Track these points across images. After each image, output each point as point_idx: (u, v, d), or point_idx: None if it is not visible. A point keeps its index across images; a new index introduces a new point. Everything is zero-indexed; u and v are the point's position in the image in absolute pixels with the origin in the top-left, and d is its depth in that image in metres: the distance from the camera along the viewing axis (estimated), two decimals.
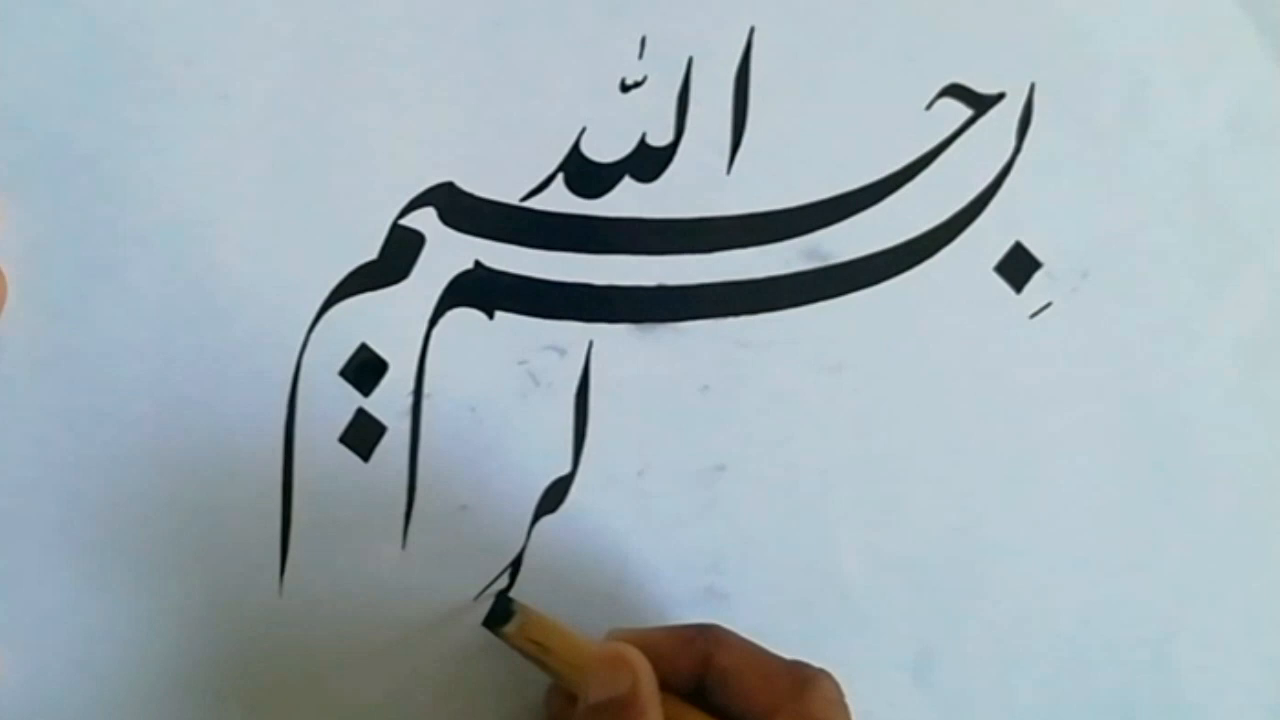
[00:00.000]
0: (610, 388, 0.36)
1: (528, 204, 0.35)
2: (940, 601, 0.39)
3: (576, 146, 0.35)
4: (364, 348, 0.34)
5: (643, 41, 0.36)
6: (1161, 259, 0.40)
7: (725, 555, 0.37)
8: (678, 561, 0.37)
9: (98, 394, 0.33)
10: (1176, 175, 0.40)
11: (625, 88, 0.36)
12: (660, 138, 0.36)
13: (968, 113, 0.38)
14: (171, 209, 0.33)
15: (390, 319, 0.34)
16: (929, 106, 0.38)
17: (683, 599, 0.37)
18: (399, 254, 0.34)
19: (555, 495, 0.36)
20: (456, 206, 0.35)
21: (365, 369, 0.34)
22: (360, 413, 0.34)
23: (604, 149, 0.36)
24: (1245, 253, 0.40)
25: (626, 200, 0.36)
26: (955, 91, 0.38)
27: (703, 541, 0.37)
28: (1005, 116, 0.38)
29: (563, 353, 0.36)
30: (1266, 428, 0.41)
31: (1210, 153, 0.40)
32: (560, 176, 0.35)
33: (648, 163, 0.36)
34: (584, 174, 0.35)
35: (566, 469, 0.36)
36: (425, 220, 0.35)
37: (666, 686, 0.32)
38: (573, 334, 0.36)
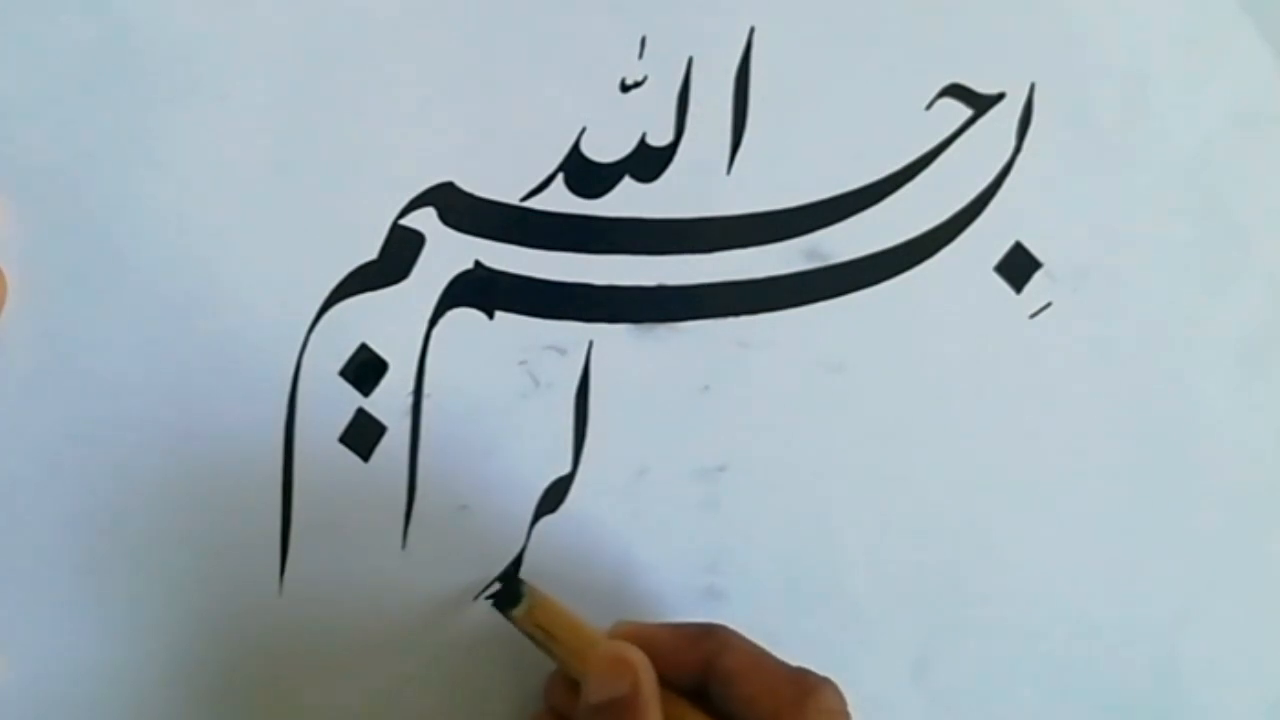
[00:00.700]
0: (610, 388, 0.36)
1: (528, 204, 0.35)
2: (940, 601, 0.39)
3: (576, 146, 0.35)
4: (364, 348, 0.34)
5: (643, 41, 0.36)
6: (1161, 259, 0.40)
7: (725, 555, 0.37)
8: (677, 561, 0.37)
9: (97, 395, 0.33)
10: (1176, 175, 0.40)
11: (625, 88, 0.36)
12: (660, 138, 0.36)
13: (968, 113, 0.38)
14: (171, 209, 0.33)
15: (390, 319, 0.34)
16: (929, 106, 0.38)
17: (682, 599, 0.37)
18: (399, 254, 0.34)
19: (555, 495, 0.36)
20: (456, 206, 0.35)
21: (365, 369, 0.34)
22: (360, 413, 0.34)
23: (604, 149, 0.36)
24: (1245, 252, 0.40)
25: (626, 200, 0.36)
26: (955, 91, 0.38)
27: (703, 541, 0.37)
28: (1005, 116, 0.38)
29: (563, 353, 0.36)
30: (1267, 427, 0.41)
31: (1210, 152, 0.40)
32: (560, 176, 0.35)
33: (648, 163, 0.36)
34: (584, 174, 0.35)
35: (566, 469, 0.36)
36: (425, 220, 0.35)
37: (669, 684, 0.32)
38: (573, 334, 0.36)
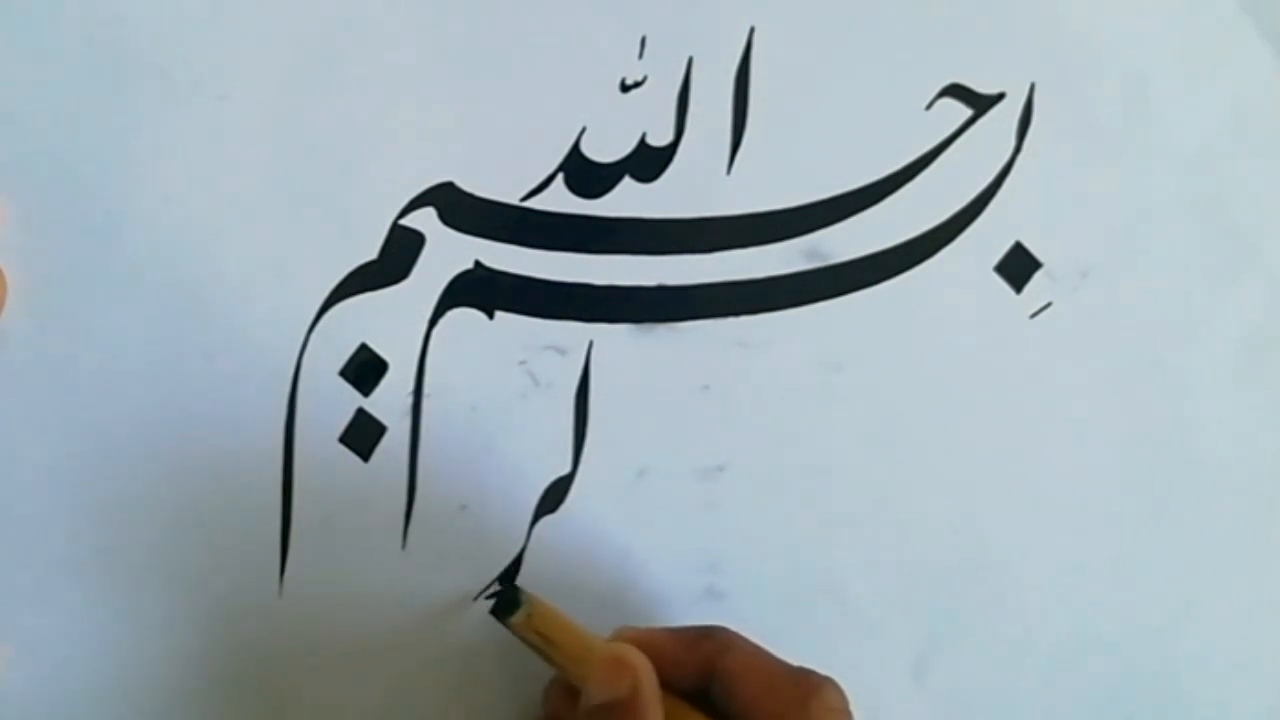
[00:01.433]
0: (610, 388, 0.36)
1: (528, 204, 0.35)
2: (940, 601, 0.39)
3: (576, 146, 0.35)
4: (364, 348, 0.34)
5: (643, 41, 0.36)
6: (1161, 259, 0.40)
7: (725, 555, 0.37)
8: (677, 561, 0.37)
9: (97, 394, 0.33)
10: (1176, 175, 0.40)
11: (625, 88, 0.36)
12: (660, 138, 0.36)
13: (968, 113, 0.38)
14: (171, 210, 0.33)
15: (390, 319, 0.34)
16: (929, 106, 0.38)
17: (682, 599, 0.37)
18: (399, 254, 0.34)
19: (555, 495, 0.36)
20: (457, 206, 0.35)
21: (365, 369, 0.34)
22: (360, 413, 0.34)
23: (604, 149, 0.36)
24: (1245, 252, 0.40)
25: (626, 200, 0.36)
26: (955, 91, 0.38)
27: (702, 541, 0.37)
28: (1005, 116, 0.38)
29: (563, 353, 0.36)
30: (1267, 427, 0.41)
31: (1210, 152, 0.40)
32: (560, 176, 0.35)
33: (648, 163, 0.36)
34: (584, 174, 0.35)
35: (566, 469, 0.36)
36: (425, 220, 0.35)
37: (670, 687, 0.32)
38: (573, 334, 0.36)
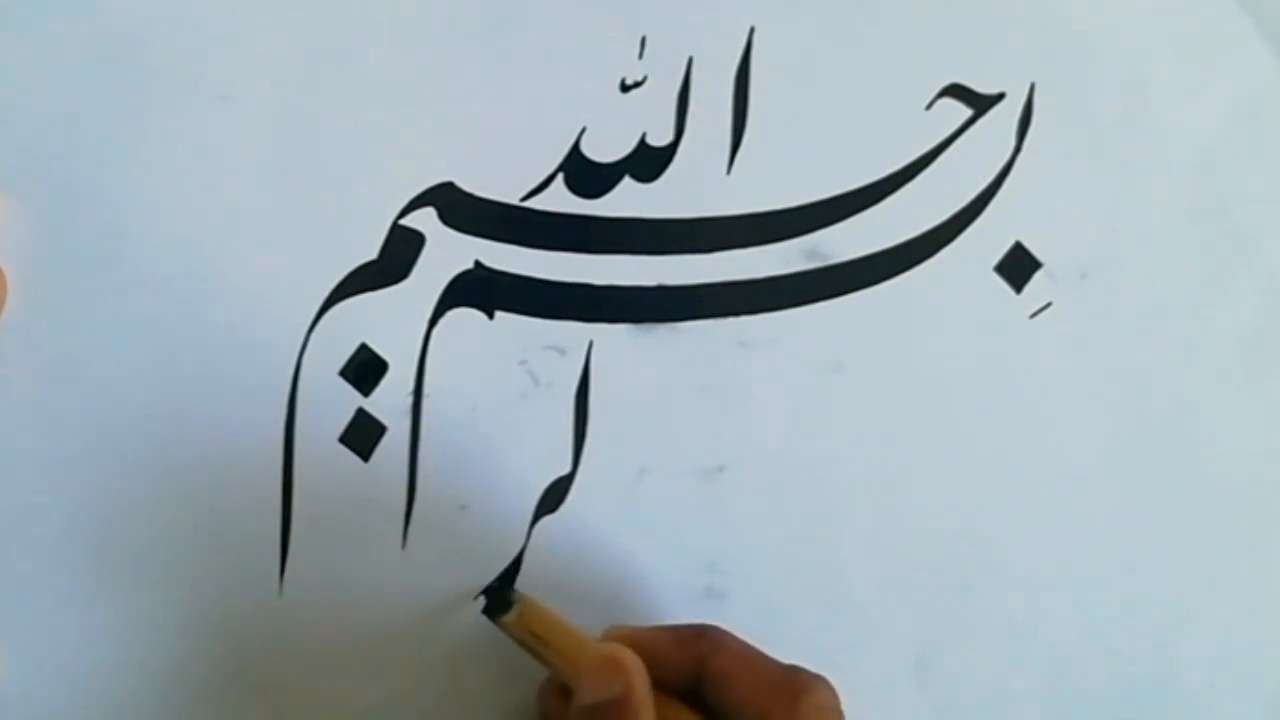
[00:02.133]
0: (610, 388, 0.36)
1: (528, 204, 0.35)
2: (940, 601, 0.39)
3: (576, 146, 0.35)
4: (364, 348, 0.34)
5: (643, 41, 0.36)
6: (1161, 258, 0.40)
7: (724, 555, 0.37)
8: (677, 561, 0.37)
9: (97, 395, 0.33)
10: (1176, 175, 0.40)
11: (625, 88, 0.36)
12: (660, 138, 0.36)
13: (968, 113, 0.38)
14: (171, 210, 0.33)
15: (390, 319, 0.34)
16: (929, 106, 0.38)
17: (682, 598, 0.37)
18: (399, 254, 0.34)
19: (555, 495, 0.36)
20: (456, 206, 0.35)
21: (365, 369, 0.34)
22: (360, 413, 0.34)
23: (604, 149, 0.36)
24: (1245, 252, 0.40)
25: (626, 200, 0.36)
26: (955, 91, 0.38)
27: (702, 541, 0.37)
28: (1005, 116, 0.38)
29: (563, 353, 0.36)
30: (1267, 426, 0.41)
31: (1210, 152, 0.40)
32: (560, 176, 0.35)
33: (648, 163, 0.36)
34: (584, 174, 0.35)
35: (566, 469, 0.36)
36: (425, 220, 0.35)
37: (662, 686, 0.32)
38: (573, 334, 0.36)
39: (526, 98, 0.35)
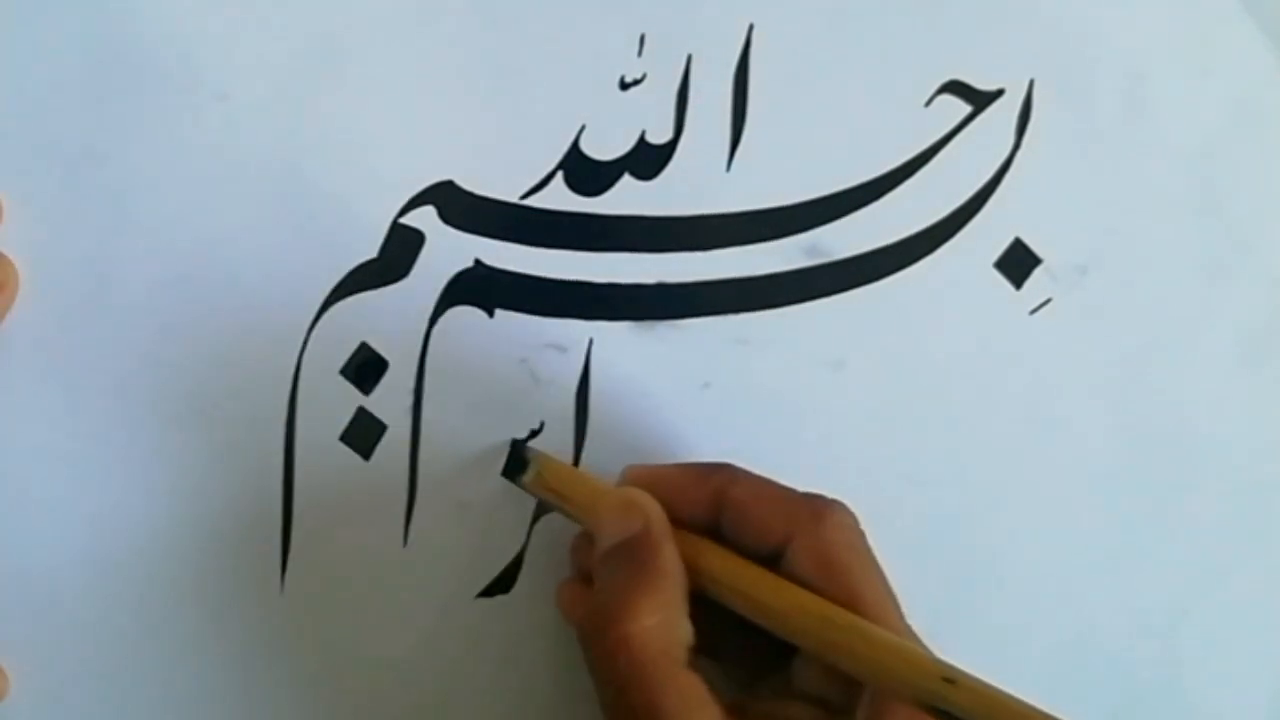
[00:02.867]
0: (611, 385, 0.36)
1: (527, 202, 0.35)
2: (939, 599, 0.39)
3: (576, 144, 0.35)
4: (364, 346, 0.34)
5: (642, 39, 0.36)
6: (1161, 255, 0.40)
7: None
8: None
9: (97, 394, 0.33)
10: (1176, 171, 0.40)
11: (624, 85, 0.36)
12: (660, 135, 0.36)
13: (967, 109, 0.38)
14: (171, 209, 0.33)
15: (390, 317, 0.34)
16: (928, 103, 0.38)
17: None
18: (399, 252, 0.34)
19: None
20: (456, 205, 0.35)
21: (365, 368, 0.34)
22: (361, 411, 0.34)
23: (603, 147, 0.36)
24: (1245, 248, 0.40)
25: (626, 198, 0.36)
26: (954, 88, 0.38)
27: None
28: (1004, 113, 0.38)
29: (563, 351, 0.36)
30: (1267, 424, 0.41)
31: (1210, 148, 0.40)
32: (560, 174, 0.35)
33: (647, 160, 0.36)
34: (583, 172, 0.35)
35: None
36: (425, 219, 0.35)
37: (681, 523, 0.32)
38: (573, 332, 0.36)
39: (526, 96, 0.35)
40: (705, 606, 0.32)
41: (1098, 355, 0.40)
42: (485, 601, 0.35)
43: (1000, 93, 0.38)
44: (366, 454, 0.34)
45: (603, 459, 0.36)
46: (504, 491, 0.35)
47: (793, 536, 0.31)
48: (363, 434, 0.34)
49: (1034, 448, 0.39)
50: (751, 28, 0.36)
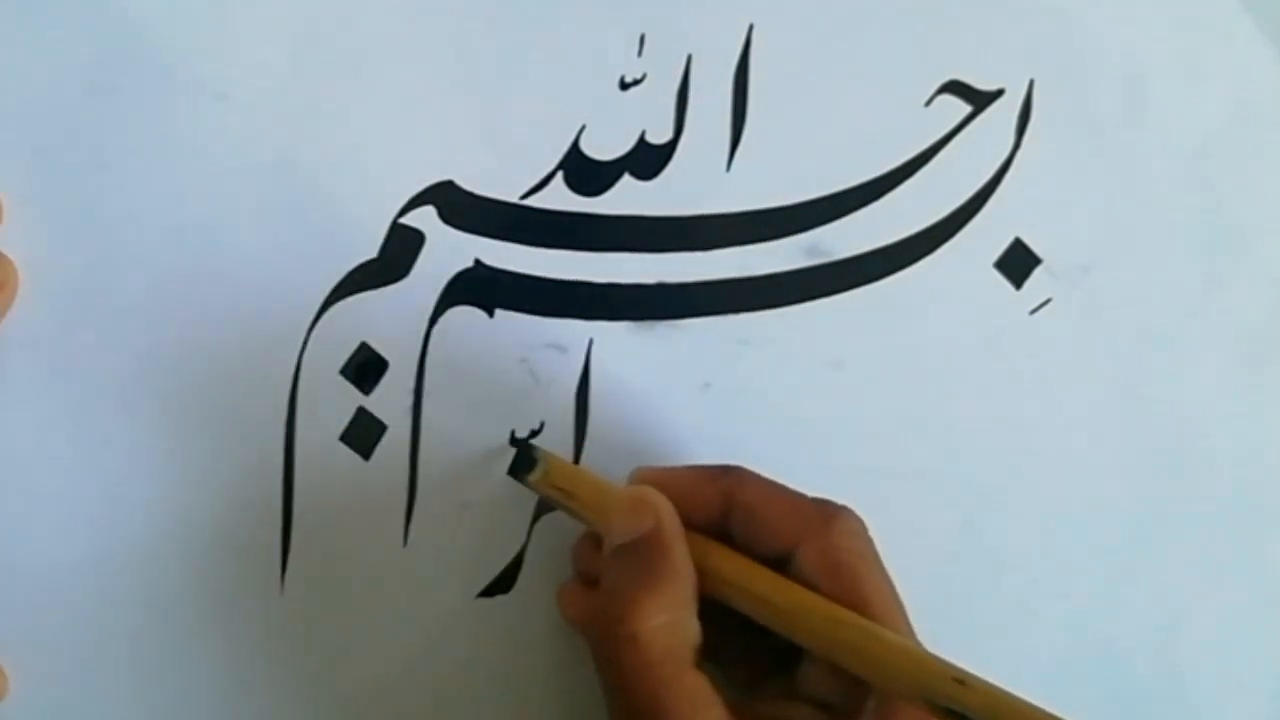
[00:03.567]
0: (611, 385, 0.36)
1: (527, 202, 0.35)
2: (939, 598, 0.39)
3: (576, 144, 0.35)
4: (364, 346, 0.34)
5: (642, 39, 0.36)
6: (1161, 255, 0.40)
7: None
8: None
9: (97, 394, 0.33)
10: (1176, 171, 0.40)
11: (624, 85, 0.36)
12: (659, 135, 0.36)
13: (967, 109, 0.38)
14: (172, 209, 0.33)
15: (390, 317, 0.34)
16: (928, 103, 0.38)
17: None
18: (399, 252, 0.34)
19: None
20: (456, 205, 0.35)
21: (365, 368, 0.34)
22: (361, 411, 0.34)
23: (603, 147, 0.36)
24: (1245, 248, 0.40)
25: (626, 198, 0.36)
26: (954, 88, 0.38)
27: None
28: (1004, 112, 0.38)
29: (563, 350, 0.36)
30: (1267, 424, 0.41)
31: (1210, 147, 0.40)
32: (560, 174, 0.35)
33: (647, 160, 0.36)
34: (583, 172, 0.35)
35: None
36: (425, 219, 0.35)
37: (691, 524, 0.32)
38: (573, 332, 0.36)
39: (526, 96, 0.35)
40: (709, 609, 0.32)
41: (1098, 355, 0.40)
42: (485, 601, 0.35)
43: (1000, 93, 0.38)
44: (366, 454, 0.34)
45: (603, 459, 0.36)
46: (504, 491, 0.35)
47: (801, 540, 0.31)
48: (363, 434, 0.34)
49: (1034, 447, 0.39)
50: (751, 28, 0.36)
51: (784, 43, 0.37)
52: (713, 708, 0.30)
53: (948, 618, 0.39)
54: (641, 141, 0.36)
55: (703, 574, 0.32)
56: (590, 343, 0.36)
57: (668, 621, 0.30)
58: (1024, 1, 0.38)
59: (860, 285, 0.38)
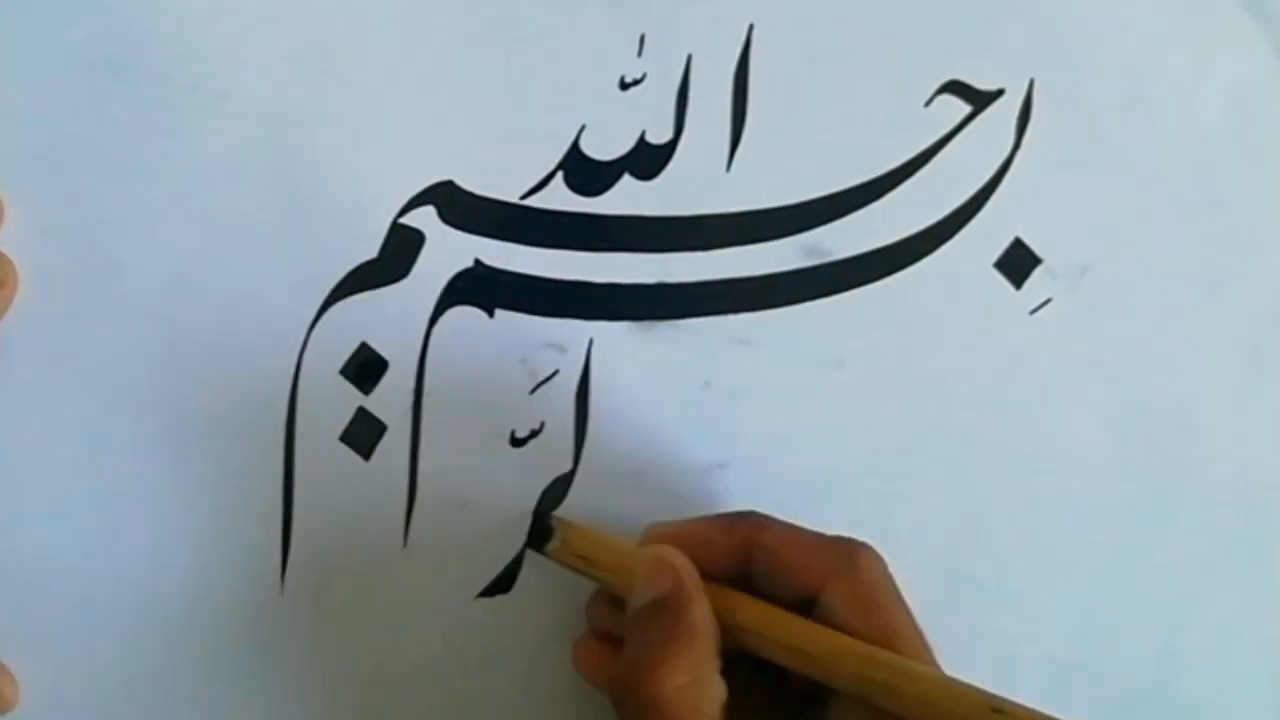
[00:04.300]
0: (611, 385, 0.36)
1: (527, 202, 0.35)
2: (940, 598, 0.39)
3: (576, 144, 0.35)
4: (364, 346, 0.34)
5: (642, 39, 0.36)
6: (1162, 254, 0.40)
7: None
8: None
9: (97, 395, 0.33)
10: (1176, 170, 0.40)
11: (624, 85, 0.36)
12: (659, 135, 0.36)
13: (967, 109, 0.38)
14: (171, 209, 0.33)
15: (390, 318, 0.34)
16: (928, 103, 0.38)
17: None
18: (399, 252, 0.34)
19: (556, 493, 0.36)
20: (456, 205, 0.35)
21: (365, 368, 0.34)
22: (361, 411, 0.34)
23: (603, 147, 0.36)
24: (1246, 247, 0.40)
25: (626, 198, 0.36)
26: (954, 88, 0.38)
27: None
28: (1004, 112, 0.38)
29: (563, 350, 0.36)
30: (1268, 423, 0.41)
31: (1210, 147, 0.40)
32: (560, 174, 0.35)
33: (647, 160, 0.36)
34: (583, 172, 0.35)
35: (567, 467, 0.36)
36: (425, 219, 0.35)
37: (711, 575, 0.32)
38: (573, 332, 0.36)
39: (526, 96, 0.35)
40: (731, 661, 0.32)
41: (1098, 355, 0.40)
42: (485, 601, 0.35)
43: (1000, 93, 0.38)
44: (367, 454, 0.34)
45: (603, 459, 0.36)
46: (504, 491, 0.35)
47: (827, 581, 0.31)
48: (363, 434, 0.34)
49: (1034, 447, 0.39)
50: (751, 28, 0.36)
51: (784, 43, 0.37)
52: None
53: (947, 618, 0.39)
54: (641, 141, 0.36)
55: (728, 627, 0.32)
56: (590, 343, 0.36)
57: (690, 682, 0.30)
58: (1024, 1, 0.38)
59: (860, 285, 0.38)
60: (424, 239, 0.35)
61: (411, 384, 0.35)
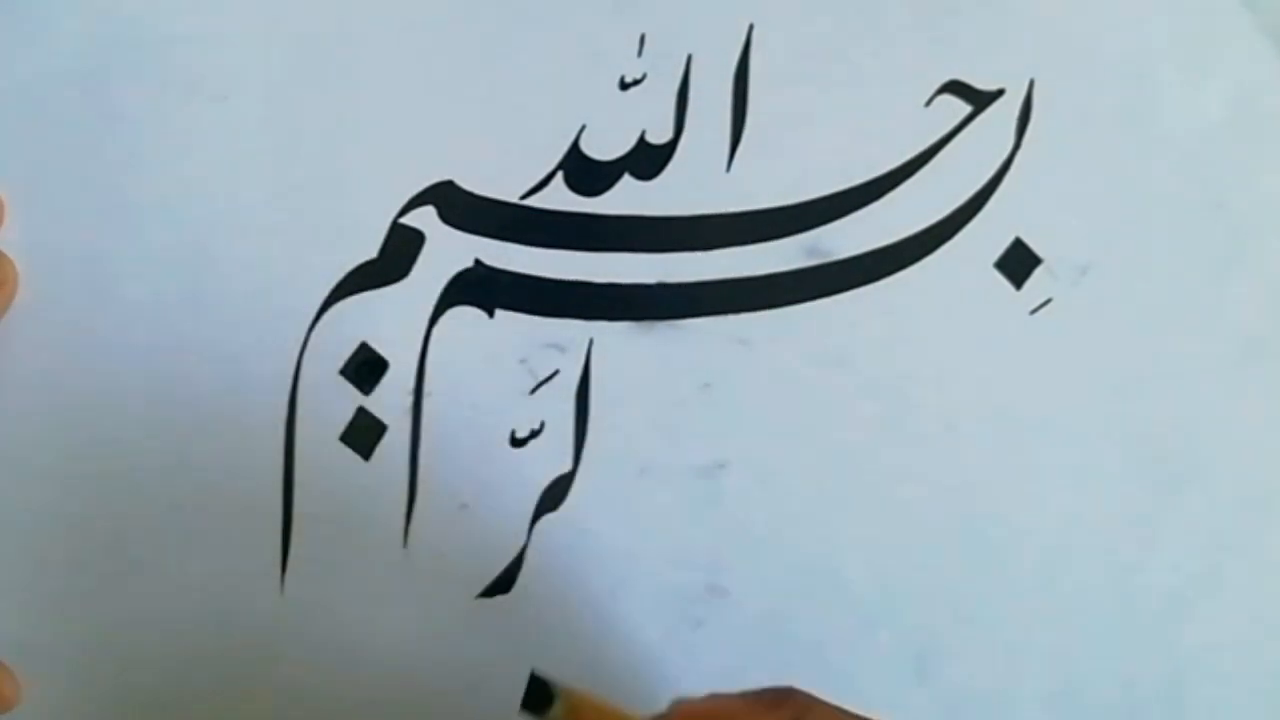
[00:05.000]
0: (611, 385, 0.36)
1: (527, 202, 0.35)
2: (941, 598, 0.39)
3: (576, 144, 0.35)
4: (364, 347, 0.34)
5: (642, 39, 0.36)
6: (1162, 254, 0.40)
7: (726, 553, 0.37)
8: (678, 559, 0.37)
9: (98, 394, 0.33)
10: (1176, 170, 0.40)
11: (625, 85, 0.36)
12: (660, 135, 0.36)
13: (967, 109, 0.38)
14: (172, 209, 0.33)
15: (390, 318, 0.34)
16: (928, 103, 0.38)
17: (683, 596, 0.37)
18: (399, 252, 0.34)
19: (556, 493, 0.36)
20: (456, 205, 0.35)
21: (366, 368, 0.34)
22: (361, 411, 0.34)
23: (603, 147, 0.36)
24: (1246, 248, 0.40)
25: (626, 198, 0.36)
26: (954, 88, 0.38)
27: (703, 539, 0.37)
28: (1004, 113, 0.38)
29: (563, 351, 0.36)
30: (1268, 422, 0.41)
31: (1211, 147, 0.40)
32: (560, 174, 0.35)
33: (647, 160, 0.36)
34: (584, 172, 0.35)
35: (567, 467, 0.36)
36: (425, 219, 0.35)
37: None
38: (573, 332, 0.36)
39: (526, 96, 0.35)
40: None
41: (1098, 355, 0.40)
42: (485, 601, 0.35)
43: (1000, 93, 0.38)
44: (366, 454, 0.34)
45: (603, 459, 0.36)
46: (504, 491, 0.35)
47: None
48: (363, 434, 0.34)
49: (1034, 447, 0.39)
50: (751, 28, 0.36)
51: (784, 43, 0.37)
52: None
53: (948, 615, 0.39)
54: (641, 141, 0.36)
55: None
56: (590, 343, 0.36)
57: None
58: (1024, 1, 0.38)
59: (861, 285, 0.38)
60: (424, 239, 0.35)
61: (411, 384, 0.35)
